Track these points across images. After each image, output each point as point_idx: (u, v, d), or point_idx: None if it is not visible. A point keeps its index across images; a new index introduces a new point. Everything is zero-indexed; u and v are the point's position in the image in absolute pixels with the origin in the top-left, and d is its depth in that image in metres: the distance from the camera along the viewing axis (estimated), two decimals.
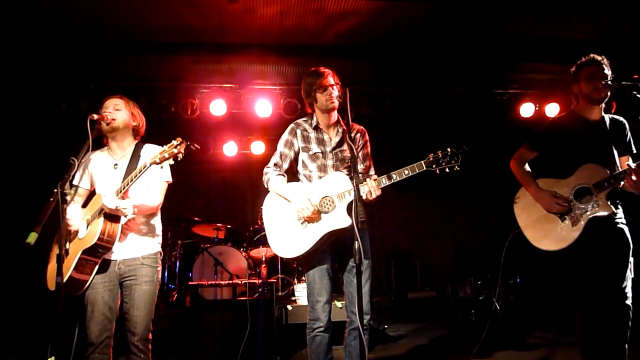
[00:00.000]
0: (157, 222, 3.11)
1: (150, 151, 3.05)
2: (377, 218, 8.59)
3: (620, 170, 3.03)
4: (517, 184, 3.32)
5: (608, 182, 2.98)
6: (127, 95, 3.21)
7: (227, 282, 5.21)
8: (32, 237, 2.65)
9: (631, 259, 3.03)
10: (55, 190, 2.89)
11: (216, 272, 5.89)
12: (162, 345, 4.83)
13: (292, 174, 3.21)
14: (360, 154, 3.22)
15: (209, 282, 5.13)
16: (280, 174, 3.14)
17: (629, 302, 2.97)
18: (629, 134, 3.20)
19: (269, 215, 3.13)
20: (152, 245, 3.03)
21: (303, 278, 5.75)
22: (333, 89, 3.07)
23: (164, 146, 2.73)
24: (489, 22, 5.16)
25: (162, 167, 2.81)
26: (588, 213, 3.00)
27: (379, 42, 5.55)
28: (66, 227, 2.87)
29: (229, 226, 6.65)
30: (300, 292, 5.41)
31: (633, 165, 2.93)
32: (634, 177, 2.90)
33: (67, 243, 2.88)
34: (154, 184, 3.04)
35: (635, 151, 3.17)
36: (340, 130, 3.21)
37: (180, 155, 2.70)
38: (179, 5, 4.63)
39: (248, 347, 4.41)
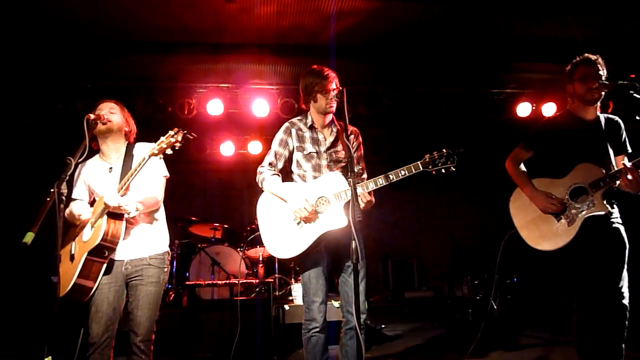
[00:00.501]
0: (162, 221, 3.11)
1: (144, 148, 3.05)
2: (374, 218, 8.58)
3: (616, 169, 3.04)
4: (514, 183, 3.32)
5: (604, 182, 2.98)
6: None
7: (224, 281, 5.21)
8: (29, 237, 2.63)
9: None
10: (52, 190, 2.90)
11: (213, 271, 5.89)
12: (159, 345, 4.80)
13: (285, 174, 3.20)
14: (354, 155, 3.21)
15: (206, 282, 5.13)
16: (275, 174, 3.13)
17: (625, 301, 2.97)
18: (624, 133, 3.20)
19: (263, 215, 3.12)
20: (160, 245, 3.02)
21: (300, 278, 5.75)
22: (334, 93, 3.05)
23: (161, 137, 2.76)
24: (486, 22, 5.17)
25: (161, 158, 2.81)
26: (584, 213, 3.00)
27: (375, 41, 5.56)
28: (77, 221, 2.89)
29: (226, 226, 6.64)
30: (298, 292, 5.41)
31: (629, 164, 2.94)
32: (629, 177, 2.91)
33: (73, 246, 2.88)
34: (151, 179, 3.03)
35: (630, 150, 3.17)
36: (335, 130, 3.20)
37: (178, 144, 2.74)
38: (175, 5, 4.62)
39: (245, 347, 4.40)
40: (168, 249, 3.08)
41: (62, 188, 2.61)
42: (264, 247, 5.96)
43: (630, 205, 3.34)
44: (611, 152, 3.14)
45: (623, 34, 5.39)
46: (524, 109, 6.68)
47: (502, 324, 6.02)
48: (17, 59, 5.46)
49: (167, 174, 3.12)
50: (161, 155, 2.79)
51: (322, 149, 3.14)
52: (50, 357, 2.49)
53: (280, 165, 3.16)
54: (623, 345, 2.98)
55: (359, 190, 2.85)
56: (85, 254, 2.75)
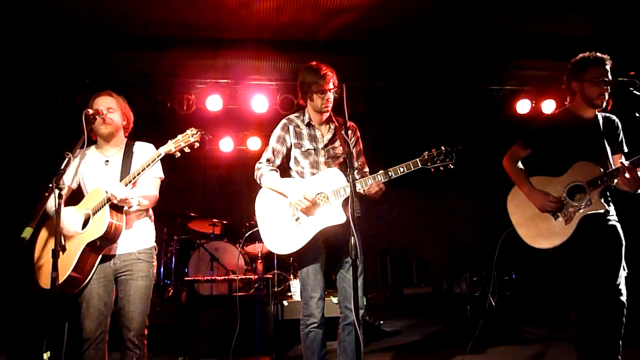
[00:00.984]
0: (150, 217, 3.09)
1: (145, 147, 3.06)
2: (373, 214, 8.59)
3: (614, 168, 3.04)
4: (512, 181, 3.32)
5: (601, 180, 2.98)
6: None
7: (223, 277, 5.21)
8: (27, 232, 2.63)
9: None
10: (50, 185, 2.89)
11: (212, 267, 5.90)
12: (157, 341, 4.83)
13: (283, 170, 3.20)
14: (353, 150, 3.21)
15: (205, 278, 5.14)
16: (273, 169, 3.12)
17: (623, 298, 2.98)
18: (622, 133, 3.21)
19: (262, 211, 3.12)
20: (147, 240, 3.01)
21: (298, 274, 5.75)
22: (331, 93, 3.05)
23: (178, 136, 2.76)
24: (486, 19, 5.16)
25: (177, 157, 2.79)
26: (581, 211, 3.00)
27: (375, 38, 5.54)
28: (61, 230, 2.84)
29: (225, 222, 6.64)
30: (296, 288, 5.41)
31: (626, 163, 2.94)
32: (627, 175, 2.91)
33: (64, 239, 2.84)
34: (148, 179, 3.01)
35: (626, 150, 3.18)
36: (333, 127, 3.19)
37: (197, 144, 2.77)
38: (174, 0, 4.61)
39: (244, 343, 4.41)
40: (155, 244, 3.06)
41: (60, 183, 2.60)
42: (262, 243, 6.01)
43: (627, 203, 3.35)
44: (609, 151, 3.14)
45: (623, 31, 5.38)
46: (523, 106, 6.67)
47: (500, 320, 6.04)
48: (16, 54, 5.44)
49: (162, 176, 3.11)
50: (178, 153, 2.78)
51: (320, 145, 3.14)
52: (48, 353, 2.49)
53: (278, 161, 3.15)
54: (620, 342, 2.99)
55: (378, 179, 2.84)
56: (84, 245, 2.72)
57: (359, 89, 6.42)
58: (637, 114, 2.93)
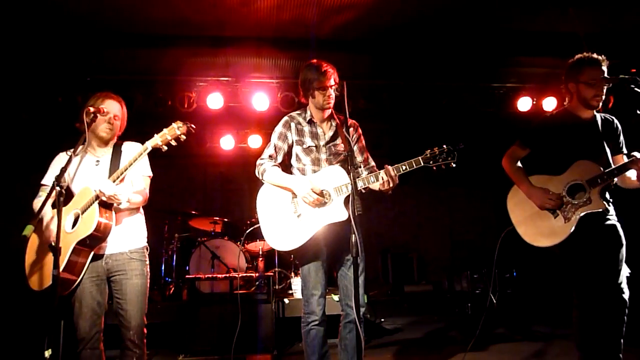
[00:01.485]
0: (141, 216, 3.08)
1: (133, 146, 3.04)
2: (374, 212, 8.59)
3: (614, 167, 3.05)
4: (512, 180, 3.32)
5: (601, 179, 2.99)
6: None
7: (224, 275, 5.22)
8: (29, 230, 2.63)
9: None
10: (43, 183, 2.89)
11: (213, 265, 5.90)
12: (159, 338, 4.85)
13: (284, 167, 3.20)
14: (356, 147, 3.23)
15: (206, 276, 5.14)
16: (275, 165, 3.12)
17: (625, 296, 2.99)
18: (621, 135, 3.22)
19: (263, 208, 3.12)
20: (139, 239, 2.99)
21: (300, 271, 5.76)
22: (332, 89, 3.05)
23: (164, 129, 2.74)
24: (487, 16, 5.14)
25: (164, 150, 2.76)
26: (581, 209, 3.01)
27: (375, 35, 5.53)
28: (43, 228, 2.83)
29: (226, 220, 6.65)
30: (297, 286, 5.42)
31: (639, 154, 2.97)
32: None
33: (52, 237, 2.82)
34: (137, 177, 3.00)
35: (626, 152, 3.19)
36: (334, 124, 3.19)
37: (183, 137, 2.73)
38: None
39: (245, 341, 4.42)
40: (146, 244, 3.05)
41: (62, 182, 2.60)
42: (263, 240, 6.03)
43: (627, 203, 3.35)
44: (608, 151, 3.15)
45: (624, 28, 5.37)
46: (524, 104, 6.65)
47: (501, 318, 6.04)
48: (16, 53, 5.44)
49: (151, 174, 3.09)
50: (146, 155, 2.76)
51: (322, 142, 3.14)
52: (50, 350, 2.50)
53: (279, 158, 3.15)
54: (622, 340, 3.00)
55: (390, 173, 2.84)
56: (73, 244, 2.70)
57: (359, 87, 6.41)
58: (638, 112, 2.92)
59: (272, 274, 5.25)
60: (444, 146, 2.84)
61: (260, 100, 6.26)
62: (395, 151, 7.72)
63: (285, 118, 3.21)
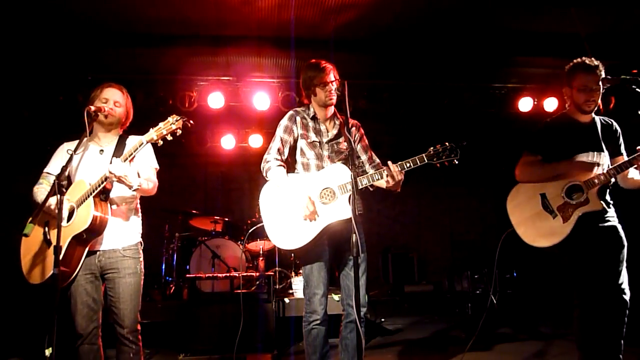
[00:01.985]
0: (137, 212, 3.06)
1: (135, 141, 3.02)
2: (375, 212, 8.59)
3: (611, 167, 3.06)
4: (514, 178, 3.31)
5: (598, 179, 3.02)
6: (124, 87, 3.17)
7: (224, 274, 5.22)
8: (29, 228, 2.64)
9: None
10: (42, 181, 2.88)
11: (213, 264, 5.91)
12: (159, 338, 4.85)
13: (288, 164, 3.20)
14: (359, 146, 3.24)
15: (207, 275, 5.14)
16: (281, 164, 3.11)
17: (626, 297, 3.00)
18: (621, 137, 3.24)
19: (267, 205, 3.11)
20: (133, 236, 2.98)
21: (300, 271, 5.76)
22: (333, 85, 3.06)
23: (160, 123, 2.73)
24: (488, 16, 5.14)
25: (160, 144, 2.76)
26: (579, 209, 3.02)
27: (377, 35, 5.53)
28: (49, 214, 2.82)
29: (226, 219, 6.65)
30: (298, 285, 5.42)
31: None
32: None
33: (49, 233, 2.83)
34: (144, 169, 3.00)
35: (625, 154, 3.20)
36: (338, 122, 3.21)
37: (179, 131, 2.72)
38: None
39: (246, 340, 4.42)
40: (141, 240, 3.04)
41: (62, 180, 2.60)
42: (264, 240, 6.05)
43: (627, 203, 3.36)
44: (607, 152, 3.16)
45: (626, 29, 5.36)
46: (525, 104, 6.65)
47: (502, 318, 6.04)
48: (18, 51, 5.44)
49: (157, 166, 3.09)
50: (150, 145, 2.77)
51: (325, 139, 3.15)
52: (50, 349, 2.50)
53: (286, 152, 3.15)
54: (622, 341, 3.00)
55: (394, 168, 2.84)
56: (70, 238, 2.70)
57: (360, 87, 6.40)
58: (639, 112, 2.93)
59: (272, 273, 5.25)
60: (447, 143, 2.85)
61: (261, 100, 6.26)
62: (396, 151, 7.69)
63: (290, 112, 3.21)
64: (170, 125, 2.71)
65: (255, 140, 7.50)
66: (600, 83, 3.07)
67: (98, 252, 2.86)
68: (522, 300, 7.10)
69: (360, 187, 2.91)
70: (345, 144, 3.13)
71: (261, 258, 6.08)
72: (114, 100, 2.98)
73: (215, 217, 6.55)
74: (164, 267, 6.42)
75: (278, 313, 5.04)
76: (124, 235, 2.93)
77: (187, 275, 5.26)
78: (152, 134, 2.73)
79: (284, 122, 3.18)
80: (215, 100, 6.20)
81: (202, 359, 4.40)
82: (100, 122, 2.96)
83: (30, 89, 5.95)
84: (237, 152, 7.83)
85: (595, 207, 3.01)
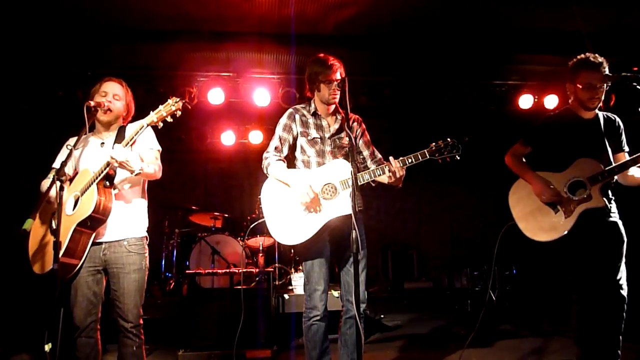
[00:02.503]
0: (143, 205, 3.05)
1: (134, 127, 2.99)
2: (375, 208, 8.60)
3: (614, 164, 3.06)
4: (514, 175, 3.34)
5: (602, 176, 3.03)
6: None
7: (224, 270, 5.22)
8: (29, 224, 2.64)
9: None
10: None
11: (213, 260, 5.91)
12: (159, 333, 4.86)
13: (288, 160, 3.20)
14: (360, 142, 3.24)
15: (206, 271, 5.15)
16: (280, 159, 3.12)
17: (624, 292, 3.01)
18: (623, 133, 3.25)
19: (268, 201, 3.11)
20: (138, 227, 2.97)
21: (300, 267, 5.77)
22: (337, 84, 3.05)
23: (160, 106, 2.75)
24: (489, 13, 5.13)
25: (160, 127, 2.77)
26: (581, 206, 3.03)
27: (377, 31, 5.52)
28: (53, 207, 2.82)
29: (226, 215, 6.65)
30: (297, 282, 5.43)
31: None
32: None
33: (53, 222, 2.81)
34: (146, 152, 2.98)
35: (627, 149, 3.22)
36: (339, 118, 3.21)
37: (178, 112, 2.75)
38: None
39: (245, 336, 4.42)
40: (146, 234, 3.03)
41: (61, 175, 2.60)
42: (264, 236, 6.05)
43: (629, 200, 3.37)
44: (609, 149, 3.17)
45: (627, 26, 5.35)
46: (525, 101, 6.64)
47: (501, 314, 6.05)
48: (17, 47, 5.43)
49: (160, 148, 3.07)
50: (151, 128, 2.78)
51: (327, 135, 3.15)
52: (50, 344, 2.50)
53: (285, 150, 3.15)
54: (620, 337, 3.01)
55: (395, 164, 2.85)
56: (74, 226, 2.70)
57: (361, 83, 6.39)
58: (639, 109, 2.93)
59: (272, 269, 5.26)
60: (449, 139, 2.86)
61: (261, 96, 6.25)
62: (396, 148, 7.68)
63: (290, 110, 3.21)
64: (170, 107, 2.73)
65: (255, 137, 7.49)
66: (604, 85, 3.08)
67: (103, 245, 2.85)
68: (522, 296, 7.11)
69: (362, 182, 2.92)
70: (347, 139, 3.13)
71: (261, 254, 6.08)
72: (113, 93, 2.98)
73: (215, 213, 6.55)
74: (163, 263, 6.42)
75: (277, 309, 5.04)
76: (129, 225, 2.92)
77: (187, 271, 5.26)
78: (153, 116, 2.75)
79: (283, 120, 3.18)
80: (216, 96, 6.18)
81: (202, 354, 4.40)
82: (100, 117, 2.96)
83: (30, 85, 5.94)
84: (237, 148, 7.82)
85: (597, 204, 3.02)
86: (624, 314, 3.01)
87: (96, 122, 3.02)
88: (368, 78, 6.44)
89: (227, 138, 7.50)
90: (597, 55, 3.13)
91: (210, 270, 5.18)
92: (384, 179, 2.95)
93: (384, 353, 4.61)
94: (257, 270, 5.39)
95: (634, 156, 3.01)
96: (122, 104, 3.04)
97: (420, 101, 6.63)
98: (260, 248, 6.10)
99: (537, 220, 3.16)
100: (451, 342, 4.88)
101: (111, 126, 3.04)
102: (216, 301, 4.74)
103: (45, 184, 2.95)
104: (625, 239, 3.09)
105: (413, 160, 2.86)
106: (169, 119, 2.75)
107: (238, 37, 5.45)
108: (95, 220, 2.74)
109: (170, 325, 4.97)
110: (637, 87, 2.89)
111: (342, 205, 2.90)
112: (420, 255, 8.44)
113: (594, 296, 3.01)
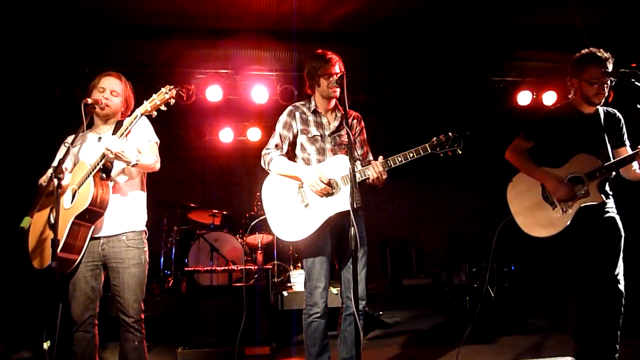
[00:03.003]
0: (142, 200, 3.03)
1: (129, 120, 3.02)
2: (373, 205, 8.61)
3: (613, 160, 3.06)
4: (513, 171, 3.33)
5: (600, 172, 3.03)
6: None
7: (222, 268, 5.22)
8: (26, 222, 2.63)
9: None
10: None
11: (212, 258, 5.90)
12: (158, 331, 4.86)
13: (288, 158, 3.19)
14: (357, 140, 3.23)
15: (205, 268, 5.13)
16: (282, 155, 3.11)
17: (621, 287, 3.02)
18: (624, 127, 3.24)
19: (269, 198, 3.10)
20: (137, 221, 2.96)
21: (299, 265, 5.77)
22: (336, 77, 3.05)
23: (153, 95, 2.74)
24: (487, 9, 5.12)
25: (154, 116, 2.77)
26: (579, 201, 3.03)
27: (375, 28, 5.51)
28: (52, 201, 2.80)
29: (225, 212, 6.65)
30: (296, 279, 5.43)
31: None
32: None
33: (51, 216, 2.81)
34: (143, 144, 2.97)
35: (628, 143, 3.22)
36: (339, 115, 3.20)
37: (172, 100, 2.73)
38: None
39: (244, 333, 4.43)
40: (145, 228, 3.01)
41: (59, 172, 2.59)
42: (262, 233, 6.05)
43: (627, 196, 3.37)
44: (609, 145, 3.18)
45: (625, 22, 5.35)
46: (524, 98, 6.64)
47: (499, 311, 6.06)
48: (14, 44, 5.41)
49: (157, 140, 3.05)
50: (147, 119, 2.77)
51: (327, 132, 3.14)
52: (48, 342, 2.50)
53: (285, 147, 3.14)
54: (618, 332, 3.02)
55: (378, 168, 2.85)
56: (72, 219, 2.69)
57: (359, 80, 6.38)
58: (638, 106, 2.93)
59: (271, 266, 5.25)
60: (450, 133, 2.85)
61: (260, 93, 6.24)
62: (394, 144, 7.67)
63: (290, 107, 3.20)
64: (163, 95, 2.72)
65: (254, 134, 7.48)
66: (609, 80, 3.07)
67: (102, 240, 2.84)
68: (520, 293, 7.12)
69: (359, 179, 2.91)
70: (346, 136, 3.13)
71: (260, 251, 6.09)
72: (110, 89, 2.97)
73: (214, 211, 6.55)
74: (162, 260, 6.42)
75: (276, 306, 5.05)
76: (127, 219, 2.90)
77: (186, 269, 5.26)
78: (146, 105, 2.74)
79: (283, 117, 3.17)
80: (214, 93, 6.17)
81: (201, 352, 4.40)
82: (97, 113, 2.96)
83: (28, 82, 5.92)
84: (235, 146, 7.82)
85: (595, 200, 3.02)
86: (622, 308, 3.02)
87: (94, 116, 3.01)
88: (366, 75, 6.43)
89: (226, 135, 7.48)
90: (602, 50, 3.13)
91: (209, 268, 5.17)
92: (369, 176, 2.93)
93: (383, 350, 4.61)
94: (256, 267, 5.39)
95: (632, 152, 3.02)
96: (120, 100, 3.02)
97: (419, 98, 6.62)
98: (259, 245, 6.10)
99: (535, 216, 3.16)
100: (450, 338, 4.89)
101: (109, 120, 3.02)
102: (215, 298, 4.74)
103: (44, 180, 2.94)
104: (623, 234, 3.09)
105: (414, 154, 2.84)
106: (163, 108, 2.73)
107: (236, 34, 5.43)
108: (92, 213, 2.73)
109: (169, 323, 4.97)
110: (636, 83, 2.89)
111: (344, 201, 2.89)
112: (419, 251, 8.44)
113: (592, 291, 3.02)
